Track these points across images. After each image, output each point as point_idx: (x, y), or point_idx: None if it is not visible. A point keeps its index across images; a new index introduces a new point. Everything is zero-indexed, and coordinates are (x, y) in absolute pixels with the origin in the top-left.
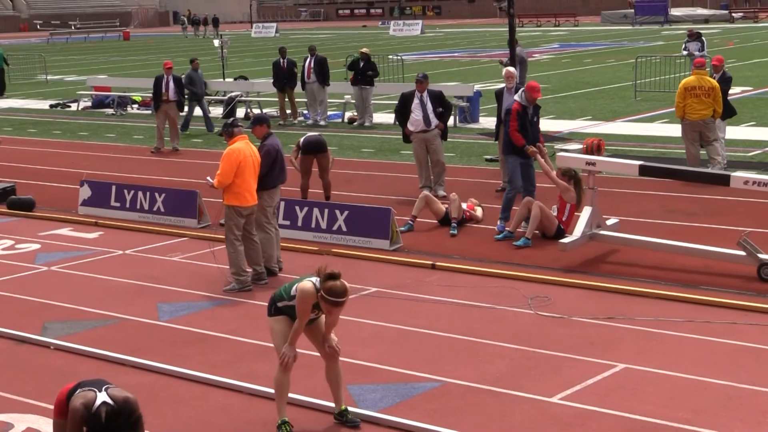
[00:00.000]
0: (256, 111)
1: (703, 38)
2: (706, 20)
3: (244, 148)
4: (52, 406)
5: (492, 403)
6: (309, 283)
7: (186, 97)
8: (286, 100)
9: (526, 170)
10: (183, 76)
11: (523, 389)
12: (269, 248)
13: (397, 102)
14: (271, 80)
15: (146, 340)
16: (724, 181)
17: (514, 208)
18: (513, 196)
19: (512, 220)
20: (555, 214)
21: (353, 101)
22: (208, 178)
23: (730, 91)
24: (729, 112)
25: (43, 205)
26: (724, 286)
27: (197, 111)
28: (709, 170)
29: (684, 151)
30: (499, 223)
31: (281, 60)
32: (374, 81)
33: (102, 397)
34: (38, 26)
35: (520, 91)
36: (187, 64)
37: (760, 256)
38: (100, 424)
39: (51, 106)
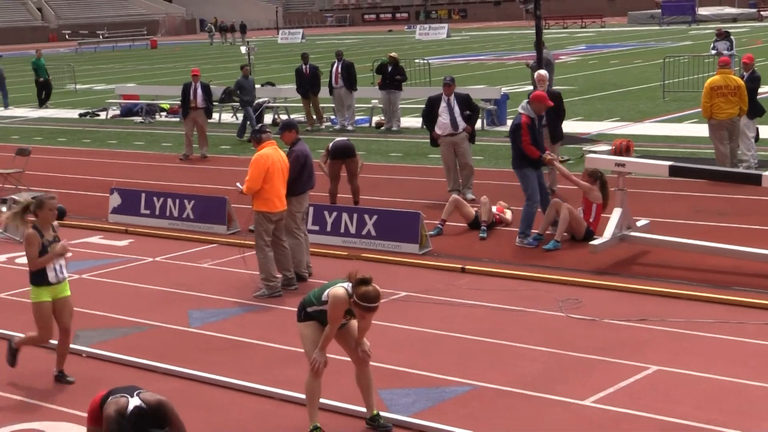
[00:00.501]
0: (284, 117)
1: (732, 37)
2: (734, 19)
3: (273, 153)
4: (85, 414)
5: (524, 407)
6: (341, 288)
7: (238, 104)
8: (312, 105)
9: (539, 180)
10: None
11: (555, 392)
12: (299, 254)
13: (424, 106)
14: (295, 85)
15: (177, 347)
16: (755, 180)
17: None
18: (534, 210)
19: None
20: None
21: (380, 105)
22: (238, 184)
23: (760, 90)
24: (758, 111)
25: (73, 213)
26: (756, 286)
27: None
28: (740, 170)
29: (713, 150)
30: (524, 240)
31: (304, 66)
32: (402, 85)
33: (134, 401)
34: (67, 36)
35: (524, 103)
36: (215, 71)
37: None
38: (132, 428)
39: (80, 115)
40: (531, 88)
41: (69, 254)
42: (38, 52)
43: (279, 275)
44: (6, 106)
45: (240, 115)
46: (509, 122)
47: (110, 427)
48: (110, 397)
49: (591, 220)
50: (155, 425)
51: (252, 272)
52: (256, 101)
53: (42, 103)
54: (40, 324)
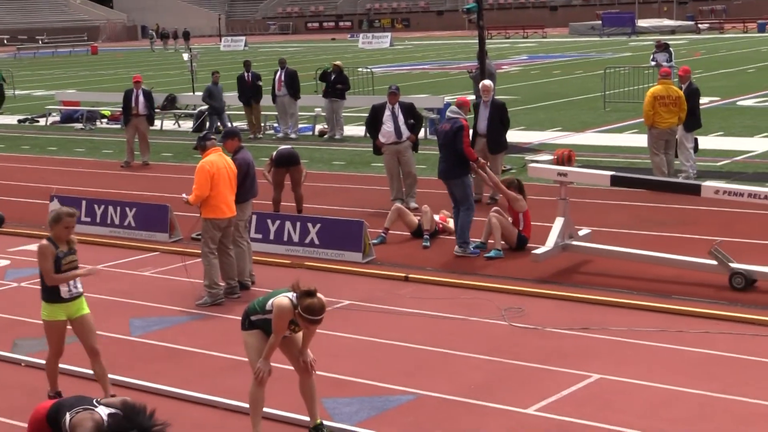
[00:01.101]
0: (228, 124)
1: (671, 49)
2: (673, 31)
3: (217, 160)
4: (23, 424)
5: (468, 415)
6: (285, 299)
7: (207, 111)
8: (253, 113)
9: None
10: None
11: (498, 401)
12: (242, 262)
13: (367, 115)
14: (237, 93)
15: (119, 356)
16: (695, 190)
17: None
18: (472, 218)
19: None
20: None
21: (324, 114)
22: (184, 195)
23: (700, 101)
24: (696, 124)
25: (12, 221)
26: (696, 295)
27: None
28: (680, 180)
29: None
30: (466, 249)
31: (245, 73)
32: (345, 94)
33: (103, 411)
34: (5, 41)
35: (454, 108)
36: (157, 78)
37: (732, 265)
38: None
39: (19, 121)
40: (473, 97)
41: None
42: None
43: (222, 283)
44: None
45: (182, 123)
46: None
47: None
48: (70, 413)
49: (521, 228)
50: (138, 415)
51: (194, 280)
52: (198, 109)
53: None
54: (51, 343)
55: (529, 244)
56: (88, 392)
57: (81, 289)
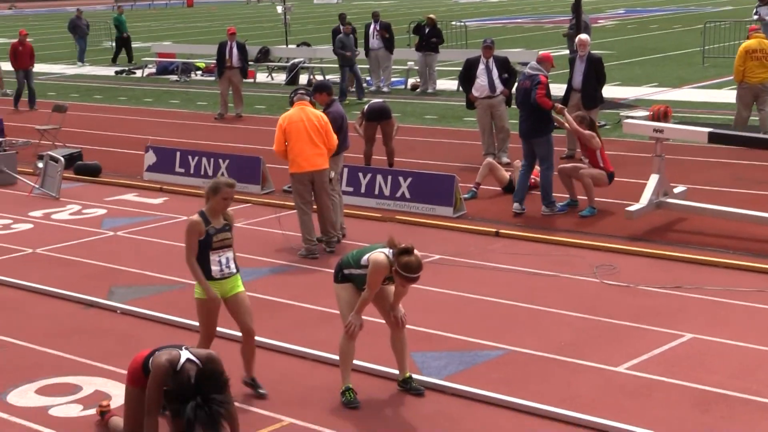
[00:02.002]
0: (319, 77)
1: None
2: None
3: (294, 114)
4: (119, 370)
5: (557, 372)
6: (382, 255)
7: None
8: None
9: None
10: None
11: (588, 358)
12: (333, 215)
13: (461, 68)
14: (331, 47)
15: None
16: None
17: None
18: (553, 175)
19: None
20: (587, 165)
21: (416, 68)
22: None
23: None
24: None
25: (109, 170)
26: None
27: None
28: None
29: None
30: (553, 209)
31: (340, 26)
32: (438, 48)
33: (185, 354)
34: None
35: (534, 64)
36: (251, 31)
37: None
38: (187, 383)
39: (116, 72)
40: (567, 52)
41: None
42: (119, 8)
43: (316, 236)
44: (81, 60)
45: (275, 75)
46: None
47: (164, 380)
48: (156, 352)
49: (602, 165)
50: (211, 384)
51: (287, 232)
52: (292, 61)
53: (115, 59)
54: (202, 323)
55: (620, 200)
56: (173, 339)
57: (234, 269)
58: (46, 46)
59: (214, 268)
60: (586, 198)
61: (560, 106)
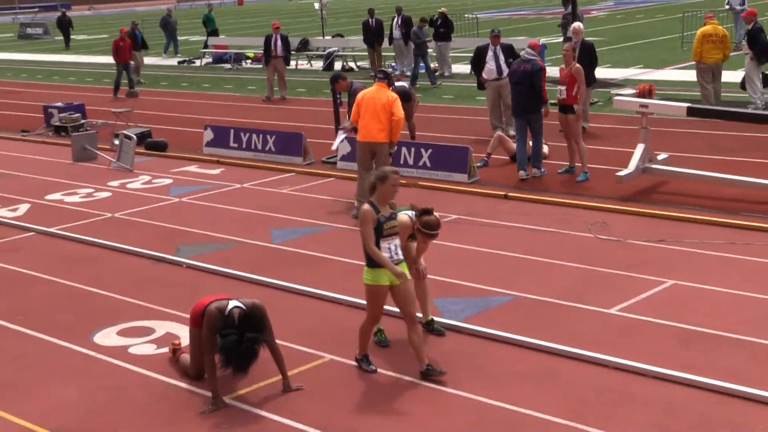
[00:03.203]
0: (351, 64)
1: None
2: None
3: (370, 91)
4: (185, 315)
5: (559, 314)
6: (406, 216)
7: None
8: (375, 54)
9: None
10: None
11: (585, 302)
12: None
13: (472, 54)
14: (362, 37)
15: (262, 260)
16: (763, 119)
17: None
18: None
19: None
20: (563, 95)
21: (434, 54)
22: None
23: None
24: (765, 57)
25: (174, 146)
26: (761, 212)
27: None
28: (749, 111)
29: (723, 93)
30: (542, 170)
31: (370, 19)
32: (451, 36)
33: (233, 302)
34: None
35: (530, 50)
36: (292, 25)
37: None
38: (233, 324)
39: (179, 62)
40: (561, 39)
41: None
42: (210, 6)
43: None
44: (176, 52)
45: (314, 63)
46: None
47: (214, 325)
48: (212, 302)
49: (574, 93)
50: (254, 323)
51: (324, 197)
52: (328, 50)
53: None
54: (371, 306)
55: (611, 167)
56: (229, 290)
57: (402, 256)
58: None
59: (385, 254)
60: (579, 164)
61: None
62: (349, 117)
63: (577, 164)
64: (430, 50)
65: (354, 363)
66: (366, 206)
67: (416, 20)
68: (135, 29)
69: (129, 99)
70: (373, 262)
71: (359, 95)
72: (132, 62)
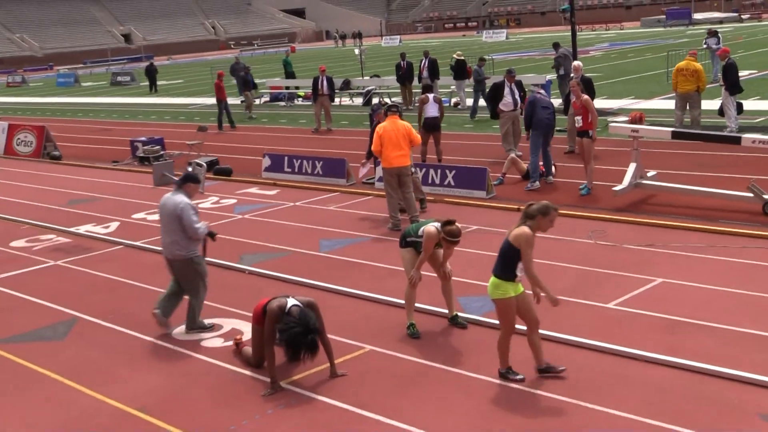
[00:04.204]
0: (386, 100)
1: (719, 35)
2: (721, 21)
3: (387, 124)
4: (248, 313)
5: (563, 308)
6: (433, 227)
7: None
8: (407, 91)
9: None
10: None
11: (586, 298)
12: (413, 199)
13: (489, 89)
14: (395, 77)
15: (312, 267)
16: (736, 141)
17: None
18: None
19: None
20: (580, 124)
21: (456, 90)
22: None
23: (741, 73)
24: (737, 89)
25: (237, 172)
26: (737, 219)
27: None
28: (725, 133)
29: (708, 120)
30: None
31: (402, 62)
32: (467, 75)
33: (291, 301)
34: (231, 45)
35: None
36: (336, 67)
37: (765, 196)
38: (295, 321)
39: (242, 101)
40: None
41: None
42: (287, 52)
43: (397, 214)
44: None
45: (355, 99)
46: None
47: (276, 320)
48: (272, 300)
49: (589, 120)
50: (310, 318)
51: (366, 212)
52: (366, 88)
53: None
54: (506, 319)
55: (608, 182)
56: (285, 291)
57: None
58: (192, 84)
59: (518, 273)
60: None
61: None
62: (370, 147)
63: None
64: (453, 87)
65: (392, 352)
66: (527, 230)
67: (470, 61)
68: (247, 73)
69: (200, 133)
70: (506, 276)
71: (379, 128)
72: (244, 101)
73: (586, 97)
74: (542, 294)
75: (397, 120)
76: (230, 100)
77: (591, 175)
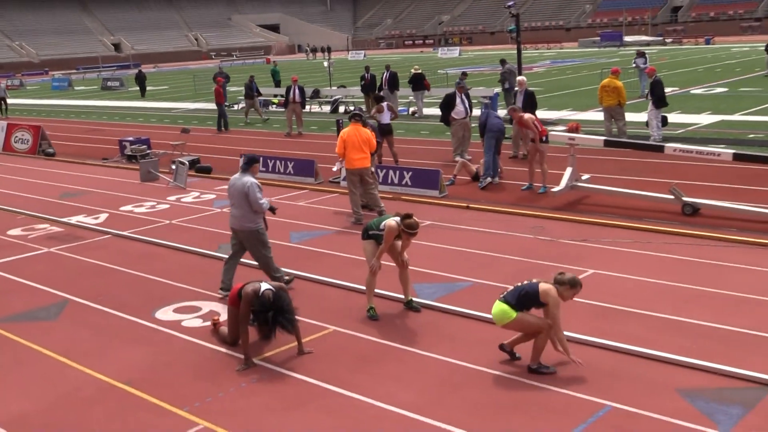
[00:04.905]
0: (351, 108)
1: (647, 55)
2: (648, 44)
3: (350, 130)
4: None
5: None
6: (393, 221)
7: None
8: (370, 100)
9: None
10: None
11: None
12: (375, 196)
13: (441, 99)
14: (359, 88)
15: (283, 255)
16: (660, 149)
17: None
18: None
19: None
20: (533, 136)
21: (414, 100)
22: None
23: (667, 89)
24: (663, 103)
25: (217, 170)
26: (659, 218)
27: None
28: (650, 143)
29: (634, 131)
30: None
31: (366, 74)
32: (423, 86)
33: (264, 285)
34: (212, 56)
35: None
36: (308, 78)
37: (684, 198)
38: (267, 302)
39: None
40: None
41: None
42: (275, 62)
43: (359, 210)
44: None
45: (324, 107)
46: (500, 111)
47: (250, 302)
48: (246, 284)
49: (539, 130)
50: (281, 302)
51: (331, 208)
52: (334, 97)
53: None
54: (531, 325)
55: (547, 184)
56: (257, 278)
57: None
58: (176, 91)
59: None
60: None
61: None
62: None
63: (537, 184)
64: (411, 97)
65: (354, 332)
66: (557, 294)
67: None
68: (252, 81)
69: (183, 134)
70: (514, 308)
71: (343, 133)
72: (252, 106)
73: (525, 117)
74: (560, 350)
75: (359, 127)
76: (207, 106)
77: (545, 176)
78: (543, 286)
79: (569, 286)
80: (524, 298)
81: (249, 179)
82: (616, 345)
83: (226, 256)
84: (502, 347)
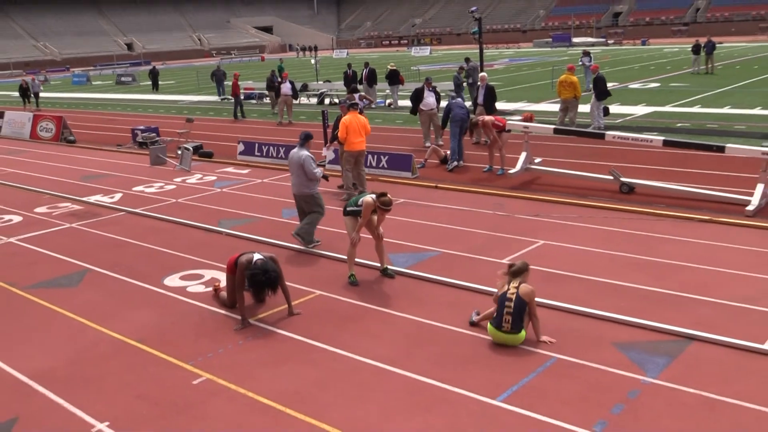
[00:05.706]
0: (336, 100)
1: (592, 54)
2: (593, 44)
3: (351, 117)
4: (223, 266)
5: (471, 263)
6: (370, 198)
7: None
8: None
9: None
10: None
11: (487, 255)
12: (364, 177)
13: (411, 93)
14: (342, 82)
15: (276, 229)
16: (601, 136)
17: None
18: None
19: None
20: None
21: (390, 93)
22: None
23: (609, 84)
24: (605, 95)
25: (217, 155)
26: (601, 196)
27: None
28: (592, 130)
29: (578, 120)
30: (453, 162)
31: (348, 70)
32: (398, 81)
33: (257, 255)
34: (213, 54)
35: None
36: (298, 73)
37: (621, 179)
38: (259, 269)
39: (222, 99)
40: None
41: None
42: (281, 59)
43: (351, 188)
44: (222, 93)
45: (311, 99)
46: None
47: (244, 270)
48: (241, 255)
49: (502, 124)
50: (270, 268)
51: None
52: (320, 91)
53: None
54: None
55: (505, 167)
56: (268, 249)
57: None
58: (184, 84)
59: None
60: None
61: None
62: (334, 134)
63: (496, 166)
64: (387, 90)
65: (337, 296)
66: (531, 290)
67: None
68: (273, 75)
69: (187, 123)
70: (521, 324)
71: (345, 120)
72: (278, 103)
73: (486, 119)
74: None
75: (357, 114)
76: (209, 98)
77: (503, 160)
78: (522, 291)
79: (527, 272)
80: (521, 314)
81: (304, 153)
82: (562, 305)
83: (228, 230)
84: (472, 323)
